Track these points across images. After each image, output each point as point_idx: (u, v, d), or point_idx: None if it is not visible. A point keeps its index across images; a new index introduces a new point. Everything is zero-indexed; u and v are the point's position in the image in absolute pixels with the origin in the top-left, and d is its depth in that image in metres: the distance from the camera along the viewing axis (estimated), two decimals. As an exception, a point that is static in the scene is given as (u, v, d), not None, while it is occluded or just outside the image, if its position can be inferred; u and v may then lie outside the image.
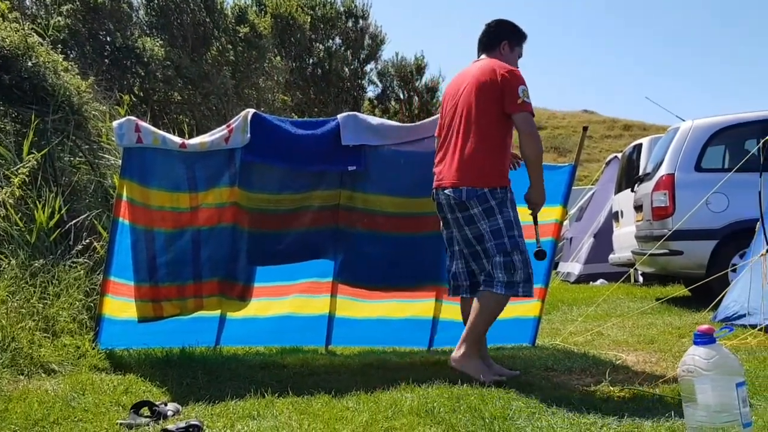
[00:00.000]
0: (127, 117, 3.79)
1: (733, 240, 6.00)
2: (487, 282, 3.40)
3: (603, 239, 9.79)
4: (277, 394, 3.01)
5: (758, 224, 4.76)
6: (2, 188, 4.25)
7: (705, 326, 2.54)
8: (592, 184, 11.87)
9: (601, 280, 9.66)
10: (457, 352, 3.38)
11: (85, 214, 4.86)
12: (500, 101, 3.35)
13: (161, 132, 3.82)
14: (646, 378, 3.25)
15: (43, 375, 3.37)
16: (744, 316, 4.64)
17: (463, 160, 3.40)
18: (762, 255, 4.40)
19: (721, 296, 4.95)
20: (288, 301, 4.39)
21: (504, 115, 3.37)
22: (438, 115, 3.94)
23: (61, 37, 9.82)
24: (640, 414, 2.67)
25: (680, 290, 6.65)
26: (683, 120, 6.88)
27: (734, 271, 5.55)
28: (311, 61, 18.72)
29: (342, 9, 19.34)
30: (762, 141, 4.88)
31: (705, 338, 2.52)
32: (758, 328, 4.19)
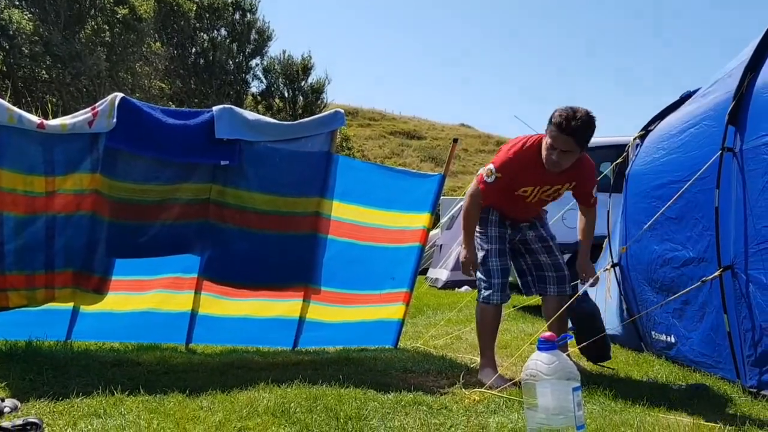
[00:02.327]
0: (-20, 91, 3.53)
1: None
2: None
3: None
4: (127, 392, 2.90)
5: (605, 241, 5.13)
6: None
7: (548, 333, 2.72)
8: (464, 195, 12.31)
9: (465, 287, 10.04)
10: None
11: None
12: None
13: (18, 110, 3.57)
14: (496, 380, 3.40)
15: None
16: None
17: None
18: (606, 270, 4.76)
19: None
20: (149, 297, 4.24)
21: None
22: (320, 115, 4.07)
23: None
24: (488, 415, 2.81)
25: (535, 299, 7.02)
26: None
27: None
28: (194, 50, 18.19)
29: (230, 0, 18.93)
30: (613, 164, 5.27)
31: (547, 345, 2.70)
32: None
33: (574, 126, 3.30)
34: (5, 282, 3.52)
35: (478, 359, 4.18)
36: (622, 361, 4.10)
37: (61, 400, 2.77)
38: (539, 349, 2.72)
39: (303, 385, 3.17)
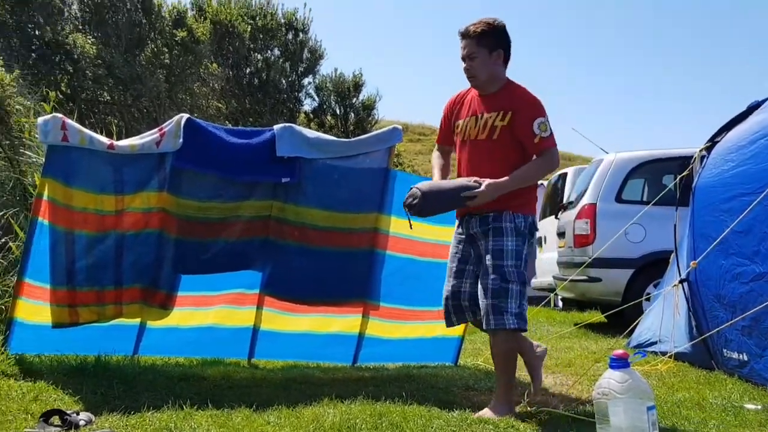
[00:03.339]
0: (53, 114, 3.65)
1: (648, 270, 6.26)
2: None
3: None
4: (196, 407, 2.94)
5: (672, 256, 4.99)
6: None
7: (620, 351, 2.65)
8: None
9: (523, 304, 9.87)
10: None
11: (1, 212, 4.65)
12: None
13: (89, 131, 3.70)
14: (563, 400, 3.34)
15: (-55, 379, 3.19)
16: (655, 343, 4.84)
17: None
18: (674, 286, 4.62)
19: (635, 323, 5.16)
20: (212, 312, 4.31)
21: None
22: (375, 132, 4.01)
23: (-14, 27, 9.41)
24: (556, 435, 2.74)
25: (597, 316, 6.88)
26: (607, 152, 7.17)
27: (648, 299, 5.80)
28: (249, 70, 18.54)
29: (283, 21, 19.27)
30: (679, 177, 5.13)
31: (620, 363, 2.63)
32: (668, 355, 4.38)
33: (473, 28, 3.30)
34: (76, 298, 3.63)
35: (542, 377, 4.10)
36: (693, 380, 3.97)
37: (133, 414, 2.83)
38: (611, 367, 2.65)
39: (366, 402, 3.16)
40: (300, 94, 20.13)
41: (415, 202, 3.27)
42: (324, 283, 4.15)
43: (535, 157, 3.27)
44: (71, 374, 3.53)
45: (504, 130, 3.26)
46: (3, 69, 5.92)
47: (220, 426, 2.67)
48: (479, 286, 3.27)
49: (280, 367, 4.34)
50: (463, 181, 3.28)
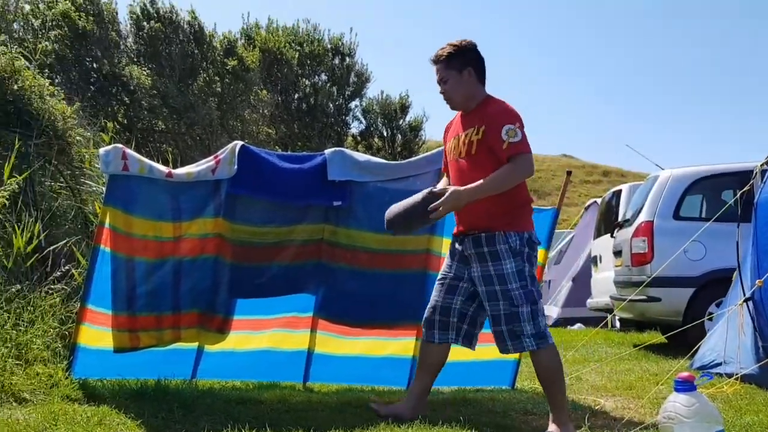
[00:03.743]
0: (114, 144, 3.77)
1: (710, 289, 6.07)
2: None
3: (581, 283, 9.85)
4: (254, 431, 2.96)
5: (735, 274, 4.83)
6: (-19, 211, 4.19)
7: (686, 374, 2.57)
8: (571, 228, 11.99)
9: (578, 325, 9.69)
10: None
11: (64, 240, 4.80)
12: None
13: (148, 161, 3.81)
14: (625, 424, 3.24)
15: (15, 404, 3.29)
16: (720, 364, 4.67)
17: None
18: (739, 305, 4.46)
19: (698, 345, 4.99)
20: (267, 336, 4.34)
21: None
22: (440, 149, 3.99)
23: (48, 62, 9.82)
24: (620, 461, 2.66)
25: (657, 337, 6.69)
26: (662, 168, 7.01)
27: (711, 319, 5.61)
28: (297, 95, 18.84)
29: (329, 46, 19.56)
30: (740, 192, 4.98)
31: (686, 385, 2.55)
32: (734, 377, 4.22)
33: (440, 53, 3.38)
34: (136, 323, 3.71)
35: (603, 401, 4.00)
36: (762, 403, 3.80)
37: (193, 438, 2.86)
38: (677, 390, 2.57)
39: (423, 426, 3.13)
40: (347, 118, 20.34)
41: (386, 218, 3.34)
42: (377, 305, 4.15)
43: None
44: (133, 398, 3.60)
45: (480, 144, 3.27)
46: (64, 101, 6.14)
47: (278, 450, 2.68)
48: (488, 312, 3.26)
49: (335, 390, 4.34)
50: (424, 192, 3.28)
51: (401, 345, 4.42)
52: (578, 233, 11.13)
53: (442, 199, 3.20)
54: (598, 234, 9.11)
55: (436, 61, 3.39)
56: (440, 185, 3.54)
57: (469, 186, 3.19)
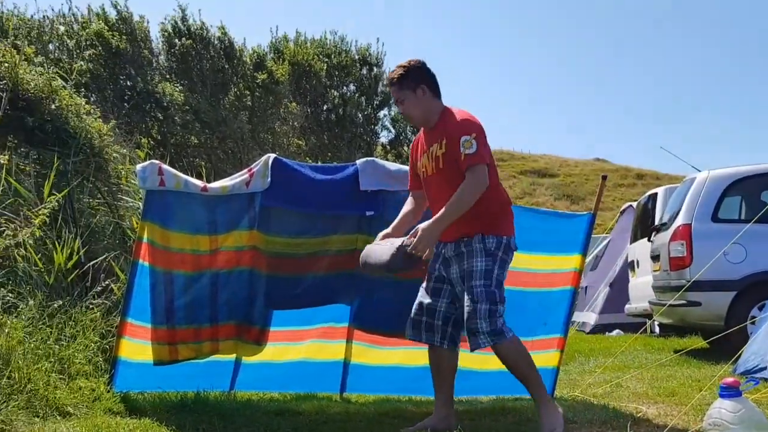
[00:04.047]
0: (150, 160, 3.84)
1: (752, 291, 5.93)
2: None
3: (618, 289, 9.71)
4: (294, 442, 2.97)
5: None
6: (23, 228, 4.29)
7: (731, 379, 2.51)
8: (607, 233, 11.83)
9: (617, 331, 9.54)
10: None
11: (103, 256, 4.89)
12: None
13: (183, 176, 3.86)
14: (669, 431, 3.17)
15: (59, 417, 3.35)
16: (764, 369, 4.55)
17: None
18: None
19: (741, 349, 4.87)
20: (304, 347, 4.36)
21: None
22: None
23: (84, 81, 10.05)
24: (666, 469, 2.61)
25: (698, 342, 6.55)
26: (698, 170, 6.89)
27: (753, 323, 5.48)
28: (326, 107, 18.99)
29: (357, 57, 19.68)
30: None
31: (731, 391, 2.49)
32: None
33: (391, 76, 3.52)
34: (175, 336, 3.75)
35: (645, 408, 3.93)
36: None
37: (234, 450, 2.87)
38: (722, 396, 2.52)
39: (463, 436, 3.10)
40: (376, 127, 20.42)
41: (362, 262, 3.45)
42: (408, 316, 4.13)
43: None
44: (173, 410, 3.64)
45: (445, 157, 3.36)
46: (100, 119, 6.27)
47: (318, 462, 2.68)
48: (464, 313, 3.31)
49: (371, 401, 4.33)
50: (395, 242, 3.32)
51: (438, 354, 4.39)
52: (614, 238, 10.97)
53: (416, 243, 3.24)
54: (635, 238, 8.97)
55: (390, 83, 3.54)
56: (406, 207, 3.63)
57: (435, 218, 3.28)
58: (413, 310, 3.55)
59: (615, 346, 6.99)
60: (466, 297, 3.29)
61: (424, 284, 3.56)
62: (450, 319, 3.48)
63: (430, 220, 3.28)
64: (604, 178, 4.29)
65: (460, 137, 3.27)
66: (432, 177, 3.44)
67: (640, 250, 8.34)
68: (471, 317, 3.25)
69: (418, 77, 3.46)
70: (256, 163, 3.97)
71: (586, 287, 10.89)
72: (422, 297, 3.54)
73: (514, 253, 3.96)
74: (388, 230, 3.54)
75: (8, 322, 3.70)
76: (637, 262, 8.67)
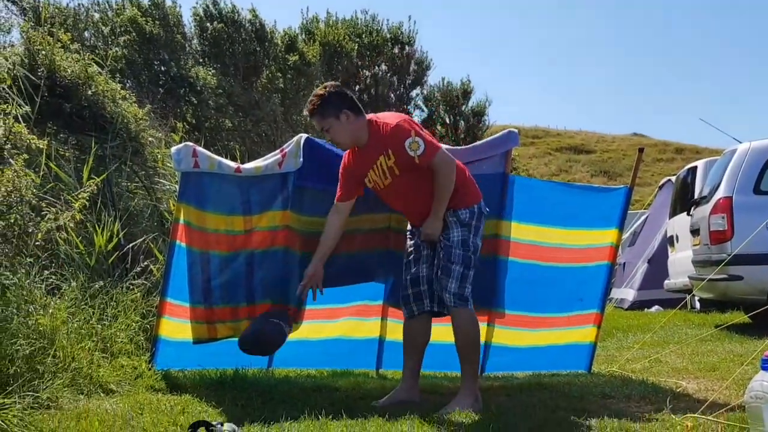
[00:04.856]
0: (185, 143, 3.88)
1: (796, 265, 5.78)
2: None
3: (657, 264, 9.55)
4: (330, 417, 3.00)
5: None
6: (63, 212, 4.39)
7: (773, 352, 2.46)
8: (645, 208, 11.62)
9: (656, 307, 9.40)
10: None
11: (142, 238, 4.98)
12: None
13: (217, 157, 3.90)
14: (710, 406, 3.13)
15: (102, 394, 3.44)
16: (810, 343, 4.45)
17: None
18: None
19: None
20: (339, 324, 4.40)
21: None
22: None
23: (119, 67, 10.18)
24: (706, 443, 2.57)
25: (740, 317, 6.42)
26: (740, 142, 6.71)
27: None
28: (358, 87, 18.92)
29: (388, 36, 19.53)
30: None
31: (774, 365, 2.44)
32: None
33: (310, 107, 3.52)
34: (213, 315, 3.82)
35: (685, 383, 3.88)
36: None
37: (272, 424, 2.93)
38: (764, 369, 2.47)
39: (498, 411, 3.10)
40: (409, 107, 20.29)
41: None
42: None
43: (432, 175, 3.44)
44: (213, 387, 3.71)
45: (398, 164, 3.44)
46: (136, 104, 6.36)
47: (355, 436, 2.71)
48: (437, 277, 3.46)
49: (408, 377, 4.34)
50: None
51: (473, 331, 4.39)
52: (652, 213, 10.78)
53: (428, 239, 3.51)
54: (674, 213, 8.80)
55: (311, 115, 3.55)
56: (329, 227, 3.72)
57: (432, 214, 3.47)
58: (401, 291, 3.66)
59: (654, 322, 6.90)
60: (442, 256, 3.45)
61: (404, 265, 3.66)
62: (433, 281, 3.56)
63: (430, 218, 3.47)
64: (641, 150, 4.22)
65: (402, 146, 3.39)
66: (391, 185, 3.53)
67: (680, 224, 8.19)
68: (444, 275, 3.42)
69: (338, 103, 3.49)
70: (289, 143, 3.98)
71: (624, 264, 10.75)
72: (404, 274, 3.64)
73: (548, 227, 3.97)
74: (312, 268, 3.69)
75: (52, 303, 3.80)
76: (677, 236, 8.51)
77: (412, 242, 3.65)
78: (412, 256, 3.63)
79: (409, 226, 3.72)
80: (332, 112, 3.48)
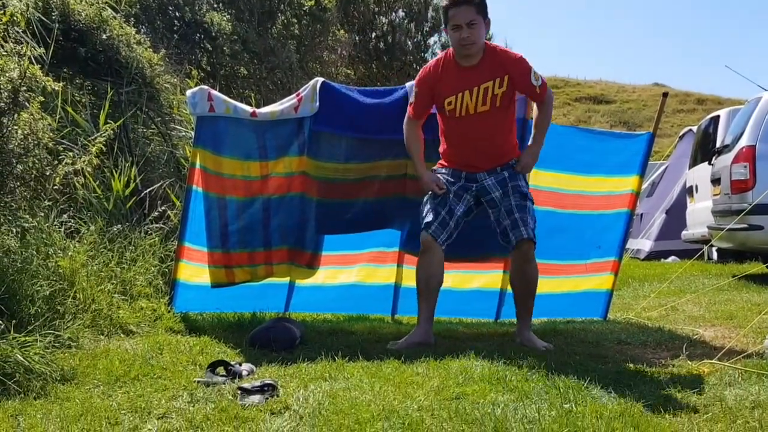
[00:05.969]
0: (200, 86, 3.84)
1: (818, 215, 5.70)
2: None
3: (675, 215, 9.47)
4: (347, 358, 3.03)
5: None
6: (81, 157, 4.39)
7: (795, 298, 2.43)
8: (664, 159, 11.46)
9: (672, 257, 9.36)
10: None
11: (159, 183, 5.00)
12: None
13: (232, 101, 3.87)
14: (727, 353, 3.12)
15: (122, 335, 3.50)
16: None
17: None
18: None
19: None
20: (355, 270, 4.42)
21: None
22: None
23: (133, 12, 10.04)
24: (722, 387, 2.57)
25: (758, 267, 6.37)
26: (765, 89, 6.54)
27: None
28: (374, 34, 18.62)
29: (406, -20, 19.10)
30: None
31: (796, 311, 2.41)
32: None
33: None
34: (231, 260, 3.84)
35: (701, 331, 3.87)
36: None
37: (290, 365, 2.96)
38: (785, 315, 2.44)
39: (514, 355, 3.12)
40: (426, 55, 19.94)
41: None
42: (463, 239, 4.09)
43: (536, 105, 3.60)
44: (231, 330, 3.76)
45: (504, 96, 3.44)
46: (150, 49, 6.29)
47: (371, 376, 2.74)
48: (504, 220, 3.48)
49: (423, 322, 4.36)
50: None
51: (489, 278, 4.41)
52: (672, 164, 10.64)
53: (524, 165, 3.59)
54: (694, 163, 8.68)
55: (468, 1, 3.38)
56: (416, 140, 3.67)
57: (534, 144, 3.60)
58: (431, 214, 3.55)
59: (670, 272, 6.87)
60: (518, 196, 3.48)
61: (436, 199, 3.56)
62: (458, 227, 3.55)
63: (530, 149, 3.59)
64: (665, 95, 4.13)
65: (528, 73, 3.45)
66: (477, 115, 3.45)
67: (700, 174, 8.08)
68: (522, 213, 3.46)
69: (486, 9, 3.46)
70: (305, 87, 3.93)
71: (641, 214, 10.67)
72: (442, 207, 3.54)
73: (568, 174, 3.97)
74: (425, 175, 3.61)
75: (71, 246, 3.84)
76: (696, 187, 8.41)
77: (456, 183, 3.57)
78: (453, 195, 3.55)
79: (444, 172, 3.62)
80: (484, 13, 3.44)
